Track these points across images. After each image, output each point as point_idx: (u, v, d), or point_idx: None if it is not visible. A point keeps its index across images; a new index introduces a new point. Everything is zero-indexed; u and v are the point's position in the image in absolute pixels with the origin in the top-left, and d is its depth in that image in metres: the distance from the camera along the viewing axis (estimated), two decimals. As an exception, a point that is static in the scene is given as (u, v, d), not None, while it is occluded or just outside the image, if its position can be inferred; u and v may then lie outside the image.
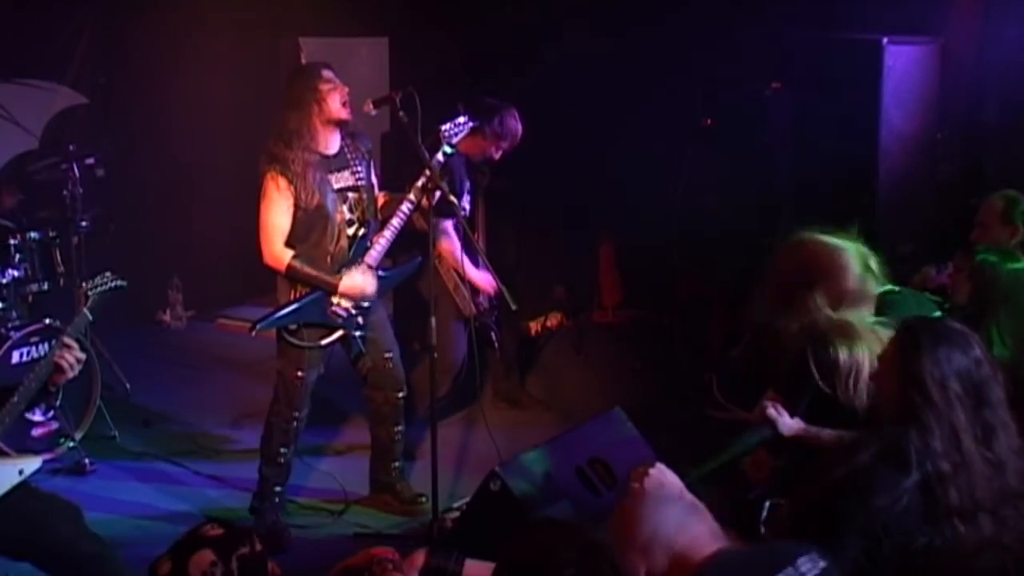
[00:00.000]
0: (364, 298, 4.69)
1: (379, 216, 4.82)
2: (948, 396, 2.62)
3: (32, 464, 3.67)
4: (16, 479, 3.60)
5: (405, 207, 4.64)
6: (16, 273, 5.66)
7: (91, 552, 3.65)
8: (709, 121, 7.06)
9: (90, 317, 3.80)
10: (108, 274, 3.92)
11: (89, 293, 3.87)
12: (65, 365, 3.59)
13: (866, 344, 3.10)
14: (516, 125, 5.62)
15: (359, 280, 4.66)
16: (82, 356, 3.63)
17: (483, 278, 5.45)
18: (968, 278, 4.21)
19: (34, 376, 3.63)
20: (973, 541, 2.58)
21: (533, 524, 2.18)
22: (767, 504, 3.21)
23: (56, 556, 3.61)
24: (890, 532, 2.56)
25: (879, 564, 2.57)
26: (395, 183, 5.02)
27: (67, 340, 3.63)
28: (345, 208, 4.68)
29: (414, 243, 4.95)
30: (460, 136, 4.81)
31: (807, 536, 2.50)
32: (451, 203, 4.71)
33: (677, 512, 2.36)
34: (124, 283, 3.94)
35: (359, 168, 4.75)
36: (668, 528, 2.29)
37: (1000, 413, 2.67)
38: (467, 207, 5.68)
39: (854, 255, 3.31)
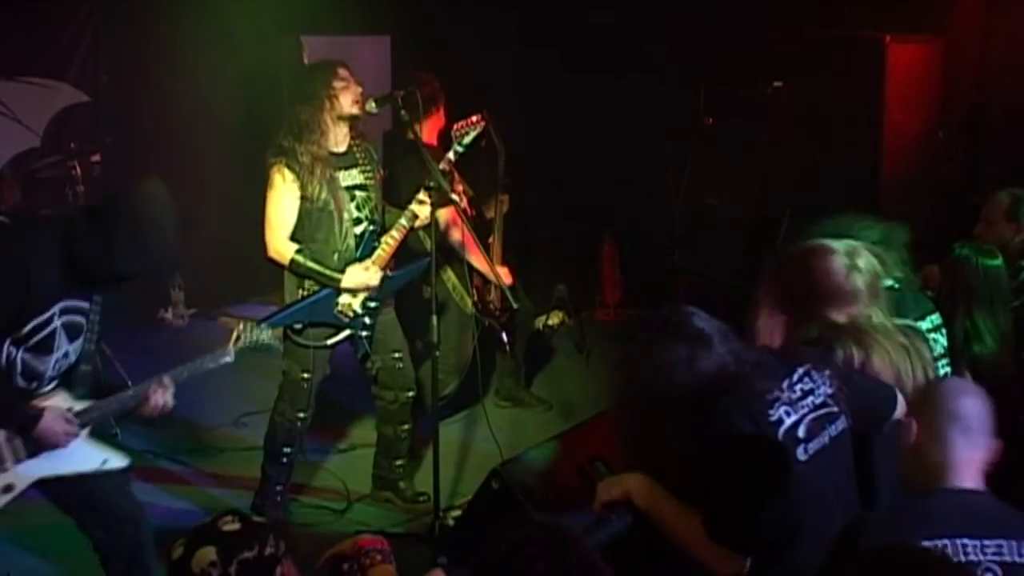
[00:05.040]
0: (368, 291, 4.68)
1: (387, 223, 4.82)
2: None
3: (119, 460, 3.67)
4: (96, 466, 3.60)
5: (415, 207, 4.65)
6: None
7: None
8: (711, 120, 7.07)
9: (230, 358, 3.81)
10: (265, 330, 3.92)
11: (241, 336, 3.85)
12: (153, 403, 3.60)
13: (881, 345, 3.07)
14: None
15: (362, 275, 4.65)
16: (172, 402, 3.62)
17: (486, 267, 5.48)
18: (942, 272, 4.21)
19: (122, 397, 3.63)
20: None
21: (505, 526, 2.17)
22: None
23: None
24: None
25: None
26: (404, 180, 5.01)
27: (166, 381, 3.62)
28: (353, 206, 4.66)
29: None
30: (472, 135, 4.80)
31: None
32: (452, 201, 4.71)
33: None
34: (275, 343, 3.95)
35: (368, 167, 4.75)
36: None
37: None
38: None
39: (839, 257, 3.23)
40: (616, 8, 7.95)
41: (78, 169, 6.01)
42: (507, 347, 5.92)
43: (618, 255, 8.04)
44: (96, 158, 6.32)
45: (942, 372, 3.58)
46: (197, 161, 7.83)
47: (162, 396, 3.62)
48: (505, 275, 5.51)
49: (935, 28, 6.57)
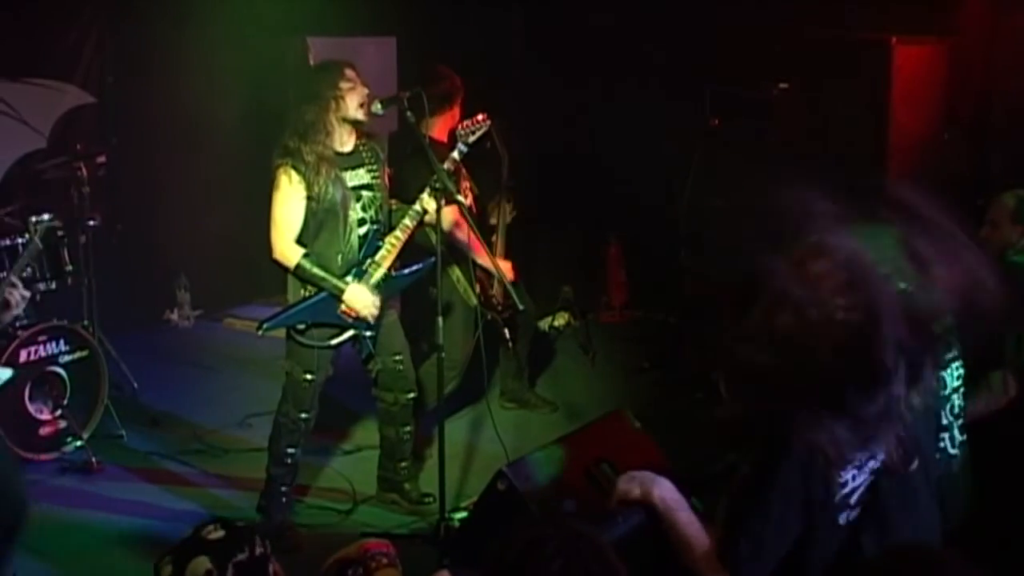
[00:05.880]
0: (368, 315, 4.67)
1: (392, 220, 4.82)
2: None
3: (5, 372, 3.73)
4: None
5: (418, 206, 4.65)
6: (24, 272, 5.66)
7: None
8: (716, 121, 7.05)
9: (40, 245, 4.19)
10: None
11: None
12: (12, 301, 3.68)
13: None
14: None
15: (367, 297, 4.65)
16: (26, 294, 3.77)
17: (491, 264, 5.46)
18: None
19: None
20: None
21: (520, 524, 2.14)
22: None
23: None
24: None
25: None
26: (412, 181, 5.01)
27: (12, 279, 3.76)
28: (358, 207, 4.66)
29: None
30: (477, 135, 4.80)
31: None
32: (457, 202, 4.70)
33: None
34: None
35: (374, 167, 4.75)
36: None
37: None
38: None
39: None
40: (618, 10, 7.95)
41: (84, 170, 6.00)
42: (509, 342, 5.91)
43: (623, 257, 8.04)
44: (102, 159, 6.32)
45: (956, 403, 3.49)
46: (203, 162, 7.84)
47: (18, 292, 3.74)
48: (508, 271, 5.51)
49: (941, 29, 6.55)
